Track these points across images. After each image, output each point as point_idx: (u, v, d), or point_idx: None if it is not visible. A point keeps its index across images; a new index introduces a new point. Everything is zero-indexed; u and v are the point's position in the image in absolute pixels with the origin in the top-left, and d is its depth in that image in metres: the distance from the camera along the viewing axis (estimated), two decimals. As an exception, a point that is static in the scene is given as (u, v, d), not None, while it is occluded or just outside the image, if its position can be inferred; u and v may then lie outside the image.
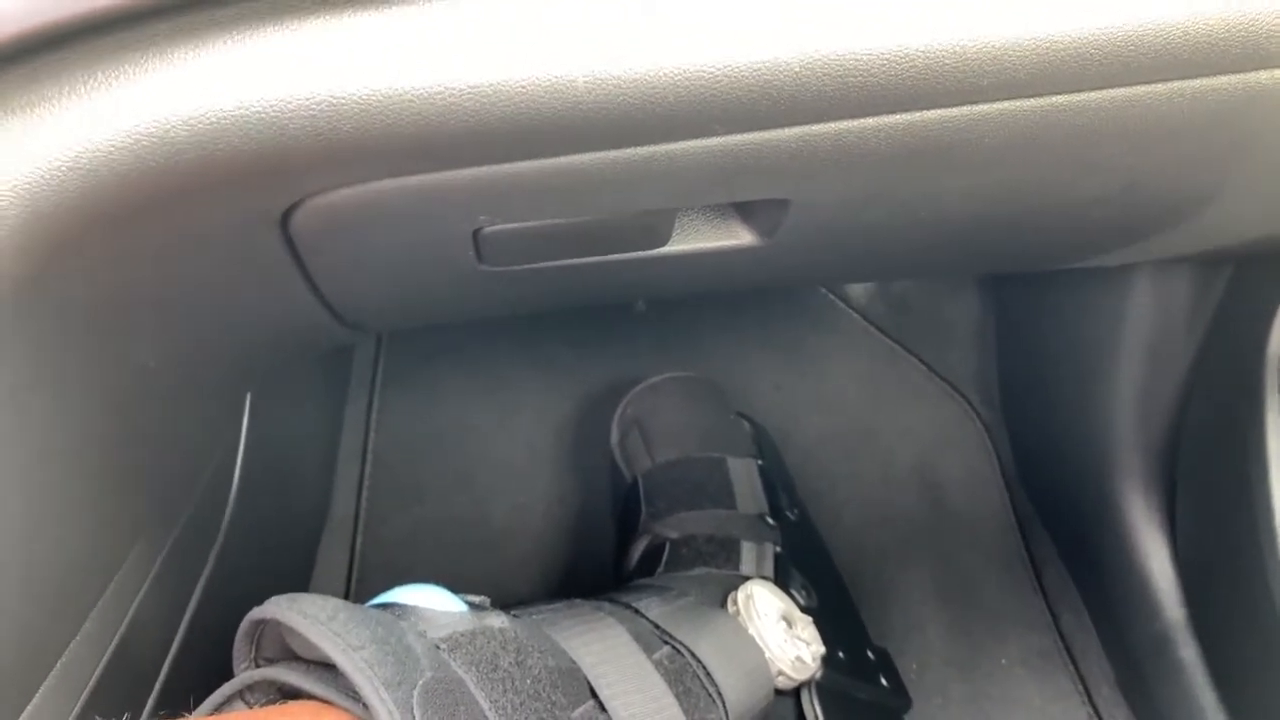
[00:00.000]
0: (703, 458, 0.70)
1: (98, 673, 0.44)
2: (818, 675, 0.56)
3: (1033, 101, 0.35)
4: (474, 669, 0.38)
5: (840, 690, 0.58)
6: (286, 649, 0.40)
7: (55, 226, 0.30)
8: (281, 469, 0.65)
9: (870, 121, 0.34)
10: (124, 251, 0.33)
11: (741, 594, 0.56)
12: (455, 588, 0.45)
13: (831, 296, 0.94)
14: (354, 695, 0.36)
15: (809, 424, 0.87)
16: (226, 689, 0.39)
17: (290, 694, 0.38)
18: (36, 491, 0.37)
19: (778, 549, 0.64)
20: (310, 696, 0.37)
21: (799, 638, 0.56)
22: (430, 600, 0.42)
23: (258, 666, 0.40)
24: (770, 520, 0.67)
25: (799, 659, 0.55)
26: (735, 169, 0.36)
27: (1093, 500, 0.77)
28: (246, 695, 0.38)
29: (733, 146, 0.35)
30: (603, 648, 0.45)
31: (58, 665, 0.41)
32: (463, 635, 0.40)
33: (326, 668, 0.37)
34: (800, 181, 0.37)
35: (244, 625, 0.39)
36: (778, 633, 0.55)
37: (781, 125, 0.33)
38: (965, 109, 0.35)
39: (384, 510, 0.82)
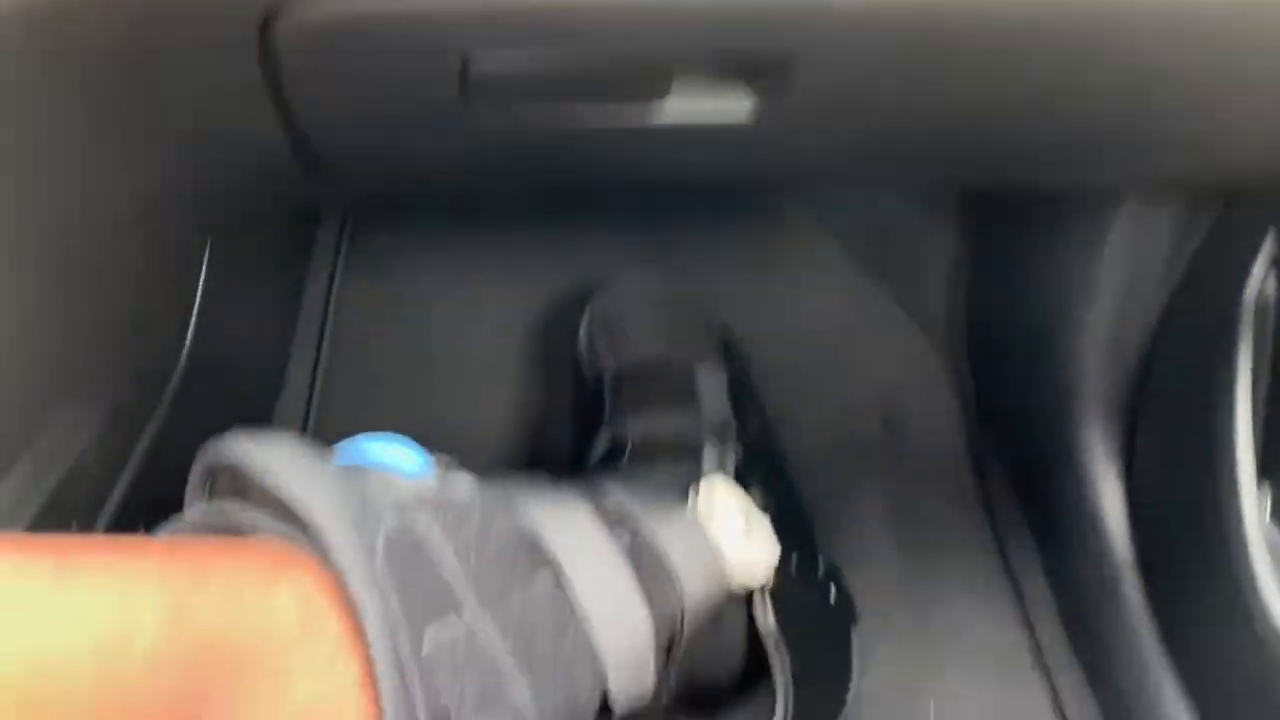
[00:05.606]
0: (670, 361, 0.69)
1: (33, 513, 0.42)
2: (771, 579, 0.55)
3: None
4: (438, 524, 0.37)
5: (792, 595, 0.57)
6: (242, 492, 0.38)
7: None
8: (236, 337, 0.63)
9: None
10: (97, 54, 0.31)
11: (703, 488, 0.55)
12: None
13: (812, 219, 0.93)
14: (315, 538, 0.34)
15: (775, 346, 0.86)
16: (173, 525, 0.37)
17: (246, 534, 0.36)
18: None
19: (739, 456, 0.63)
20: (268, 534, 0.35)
21: (756, 539, 0.55)
22: (394, 451, 0.40)
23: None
24: (733, 428, 0.66)
25: (754, 561, 0.54)
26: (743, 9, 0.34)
27: (1051, 441, 0.77)
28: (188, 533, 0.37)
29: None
30: (566, 521, 0.44)
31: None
32: (427, 491, 0.38)
33: (286, 510, 0.36)
34: (808, 33, 0.35)
35: (200, 460, 0.37)
36: (735, 532, 0.54)
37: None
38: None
39: (337, 401, 0.80)
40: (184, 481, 0.39)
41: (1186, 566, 0.66)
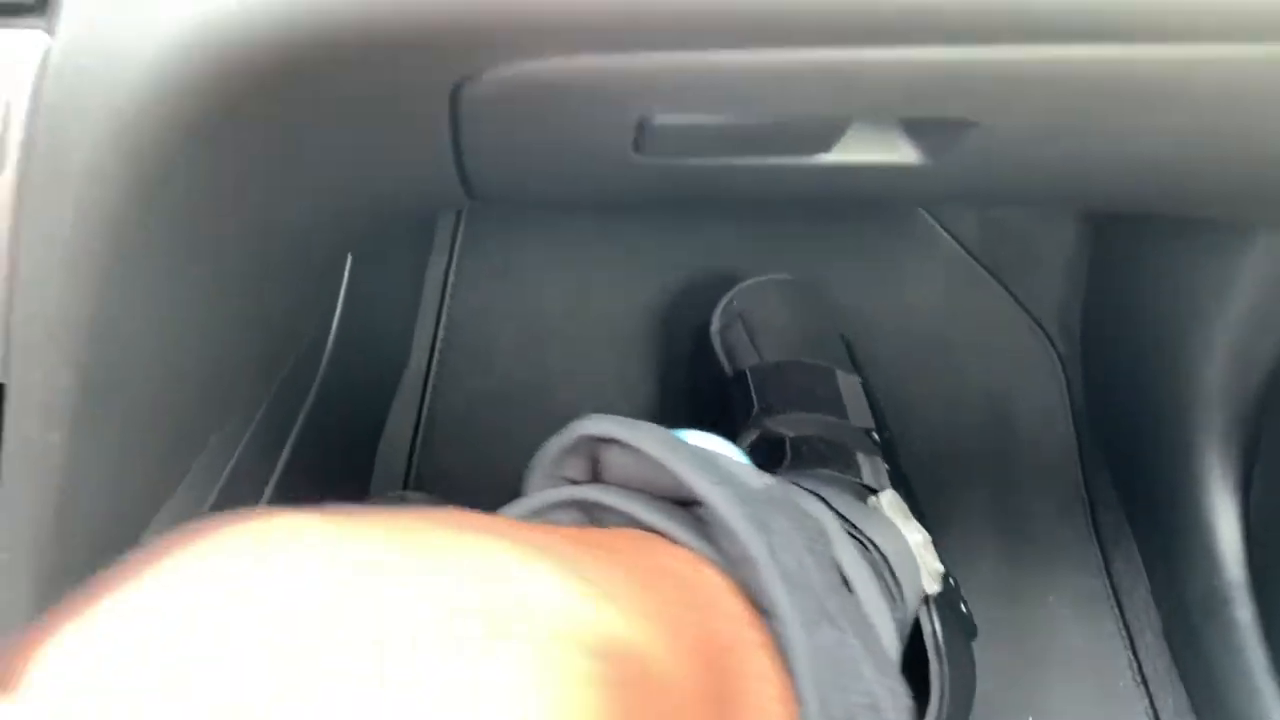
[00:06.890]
0: (813, 364, 0.68)
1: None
2: (936, 590, 0.55)
3: (1260, 48, 0.33)
4: (796, 528, 0.36)
5: (947, 608, 0.56)
6: (589, 472, 0.37)
7: (240, 71, 0.28)
8: (370, 330, 0.64)
9: (1088, 50, 0.32)
10: (293, 104, 0.32)
11: (884, 499, 0.55)
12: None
13: (924, 214, 0.91)
14: (694, 531, 0.33)
15: (884, 342, 0.86)
16: (534, 502, 0.36)
17: (598, 518, 0.35)
18: (165, 336, 0.37)
19: (887, 466, 0.63)
20: (635, 525, 0.34)
21: (932, 549, 0.55)
22: (724, 450, 0.39)
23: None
24: (875, 437, 0.66)
25: (937, 570, 0.53)
26: (929, 82, 0.33)
27: (1165, 452, 0.75)
28: (550, 513, 0.36)
29: (933, 59, 0.32)
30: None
31: (167, 504, 0.41)
32: (773, 488, 0.37)
33: (650, 496, 0.35)
34: (992, 104, 0.35)
35: (564, 440, 0.36)
36: (919, 543, 0.53)
37: (996, 41, 0.31)
38: (1182, 47, 0.33)
39: (454, 377, 0.82)
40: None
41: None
